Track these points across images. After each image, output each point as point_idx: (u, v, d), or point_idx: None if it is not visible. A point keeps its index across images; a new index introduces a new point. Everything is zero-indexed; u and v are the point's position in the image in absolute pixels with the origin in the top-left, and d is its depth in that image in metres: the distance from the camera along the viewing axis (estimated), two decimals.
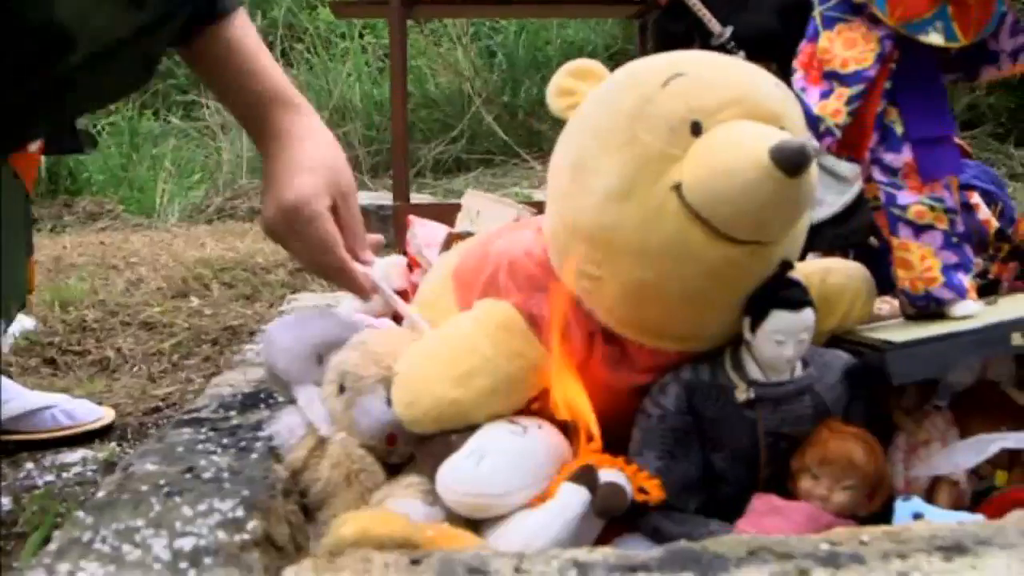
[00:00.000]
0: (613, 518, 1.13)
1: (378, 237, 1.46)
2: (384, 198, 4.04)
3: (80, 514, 1.06)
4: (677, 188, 1.09)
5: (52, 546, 0.99)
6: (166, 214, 5.42)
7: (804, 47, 1.38)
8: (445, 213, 2.22)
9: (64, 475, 1.93)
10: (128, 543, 0.99)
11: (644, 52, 1.24)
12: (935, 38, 1.30)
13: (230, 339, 2.86)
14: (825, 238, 1.72)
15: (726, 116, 1.10)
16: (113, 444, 2.10)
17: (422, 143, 6.16)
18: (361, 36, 7.04)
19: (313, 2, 7.45)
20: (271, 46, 6.97)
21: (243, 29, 1.33)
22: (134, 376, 2.61)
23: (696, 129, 1.10)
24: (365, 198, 4.34)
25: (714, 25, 1.76)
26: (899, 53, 1.33)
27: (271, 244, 3.96)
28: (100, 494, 1.13)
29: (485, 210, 2.00)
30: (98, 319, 3.01)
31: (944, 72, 1.38)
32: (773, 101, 1.15)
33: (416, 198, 3.92)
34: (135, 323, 3.00)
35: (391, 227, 3.55)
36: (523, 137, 6.16)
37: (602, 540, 1.13)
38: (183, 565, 0.94)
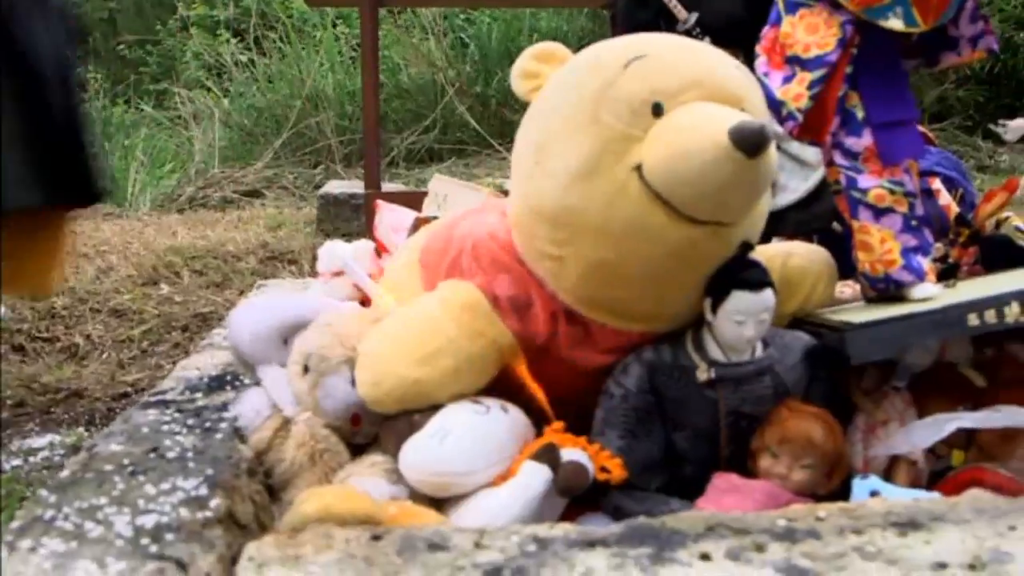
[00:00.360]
0: (576, 497, 1.15)
1: None
2: (356, 187, 4.02)
3: (43, 493, 1.06)
4: (638, 169, 1.10)
5: (14, 524, 0.99)
6: (138, 203, 5.37)
7: (767, 32, 1.40)
8: (414, 200, 2.22)
9: (31, 459, 1.92)
10: (90, 520, 0.99)
11: None
12: (895, 23, 1.31)
13: (200, 326, 2.84)
14: (788, 223, 1.73)
15: (687, 98, 1.11)
16: (81, 429, 2.10)
17: (395, 133, 6.13)
18: (334, 26, 6.99)
19: None
20: (244, 34, 6.93)
21: None
22: (103, 363, 2.59)
23: (657, 110, 1.11)
24: (337, 187, 4.32)
25: (680, 11, 1.77)
26: (860, 38, 1.34)
27: (242, 232, 3.96)
28: (64, 473, 1.13)
29: (452, 194, 2.00)
30: (67, 306, 2.98)
31: (905, 58, 1.40)
32: (734, 83, 1.16)
33: (388, 188, 3.91)
34: (104, 310, 2.98)
35: (363, 215, 3.54)
36: (496, 127, 6.14)
37: (565, 519, 1.14)
38: (144, 541, 0.95)
